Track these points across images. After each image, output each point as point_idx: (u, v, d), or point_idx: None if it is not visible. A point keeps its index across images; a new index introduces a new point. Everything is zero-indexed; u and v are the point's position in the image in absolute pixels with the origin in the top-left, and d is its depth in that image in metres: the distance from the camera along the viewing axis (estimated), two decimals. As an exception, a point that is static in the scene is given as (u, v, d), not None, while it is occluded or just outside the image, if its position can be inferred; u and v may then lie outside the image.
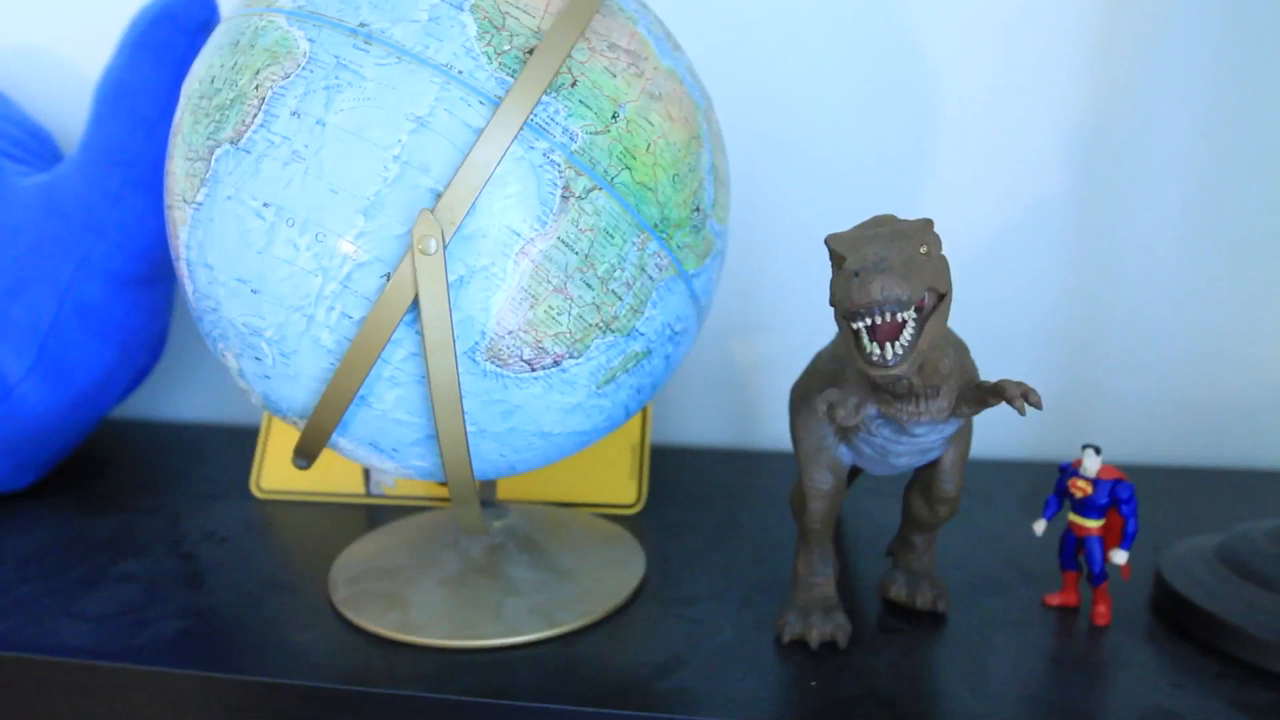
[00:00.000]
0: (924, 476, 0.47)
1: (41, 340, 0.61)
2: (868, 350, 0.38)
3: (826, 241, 0.39)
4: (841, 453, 0.45)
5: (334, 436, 0.45)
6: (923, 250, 0.38)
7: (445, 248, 0.39)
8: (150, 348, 0.68)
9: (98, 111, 0.62)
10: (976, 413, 0.42)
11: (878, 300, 0.36)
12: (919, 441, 0.43)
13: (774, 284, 0.73)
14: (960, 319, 0.71)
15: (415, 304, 0.40)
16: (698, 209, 0.45)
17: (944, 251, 0.39)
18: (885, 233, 0.38)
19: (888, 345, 0.37)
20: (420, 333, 0.40)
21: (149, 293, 0.66)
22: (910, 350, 0.37)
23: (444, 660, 0.45)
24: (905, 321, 0.37)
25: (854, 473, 0.56)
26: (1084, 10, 0.66)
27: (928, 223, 0.39)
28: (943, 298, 0.38)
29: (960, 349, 0.43)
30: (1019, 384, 0.40)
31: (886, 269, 0.36)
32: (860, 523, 0.59)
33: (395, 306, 0.39)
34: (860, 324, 0.37)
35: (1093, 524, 0.47)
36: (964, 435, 0.46)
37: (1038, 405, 0.40)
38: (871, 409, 0.42)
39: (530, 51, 0.40)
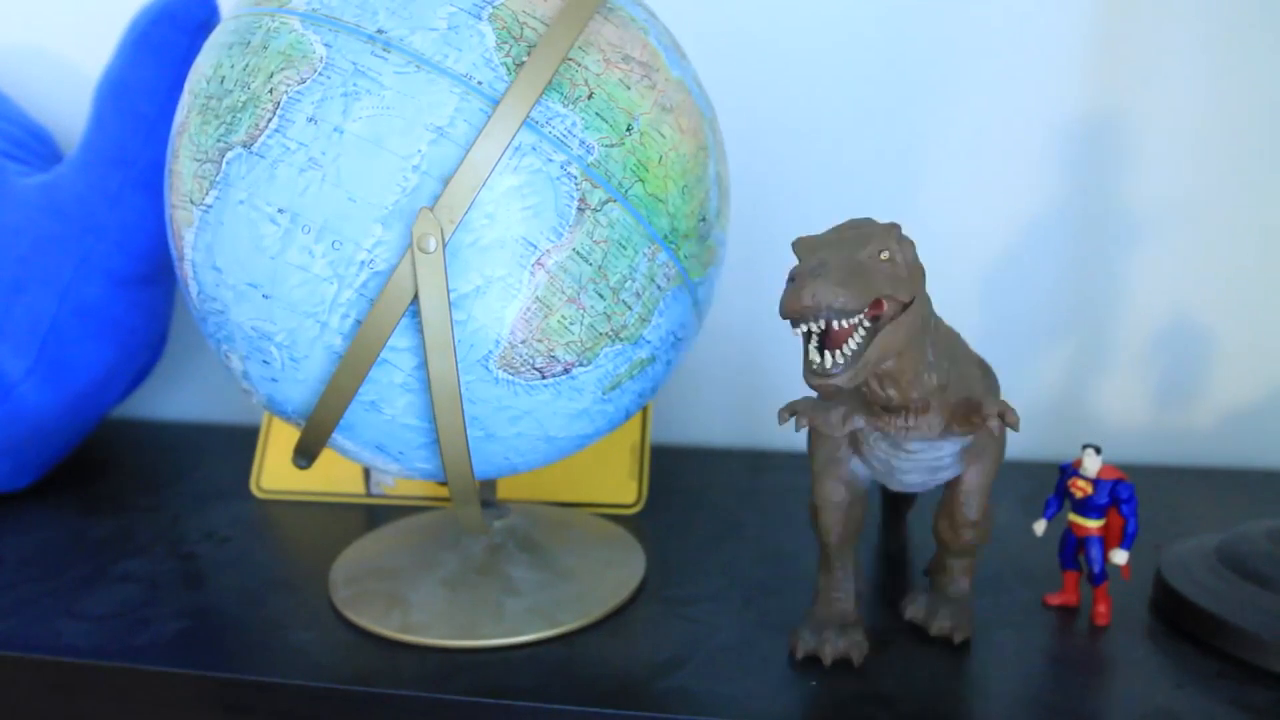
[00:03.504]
0: (947, 498, 0.45)
1: (41, 340, 0.61)
2: (810, 358, 0.36)
3: (792, 245, 0.38)
4: (856, 466, 0.44)
5: (341, 439, 0.45)
6: (883, 256, 0.36)
7: (445, 246, 0.39)
8: (150, 348, 0.68)
9: (98, 111, 0.62)
10: (969, 432, 0.40)
11: (808, 307, 0.34)
12: (920, 459, 0.42)
13: (776, 284, 0.73)
14: (960, 318, 0.71)
15: (417, 306, 0.40)
16: (704, 219, 0.45)
17: (919, 257, 0.38)
18: (845, 237, 0.36)
19: (828, 354, 0.36)
20: (421, 331, 0.40)
21: (149, 293, 0.66)
22: (855, 360, 0.35)
23: (444, 660, 0.45)
24: (855, 329, 0.36)
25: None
26: (1086, 7, 0.66)
27: (891, 227, 0.37)
28: (906, 306, 0.37)
29: (967, 363, 0.42)
30: (999, 402, 0.39)
31: (821, 274, 0.35)
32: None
33: (395, 305, 0.39)
34: (798, 331, 0.36)
35: (1093, 524, 0.47)
36: (988, 455, 0.44)
37: (1014, 426, 0.38)
38: (859, 420, 0.41)
39: (530, 50, 0.40)
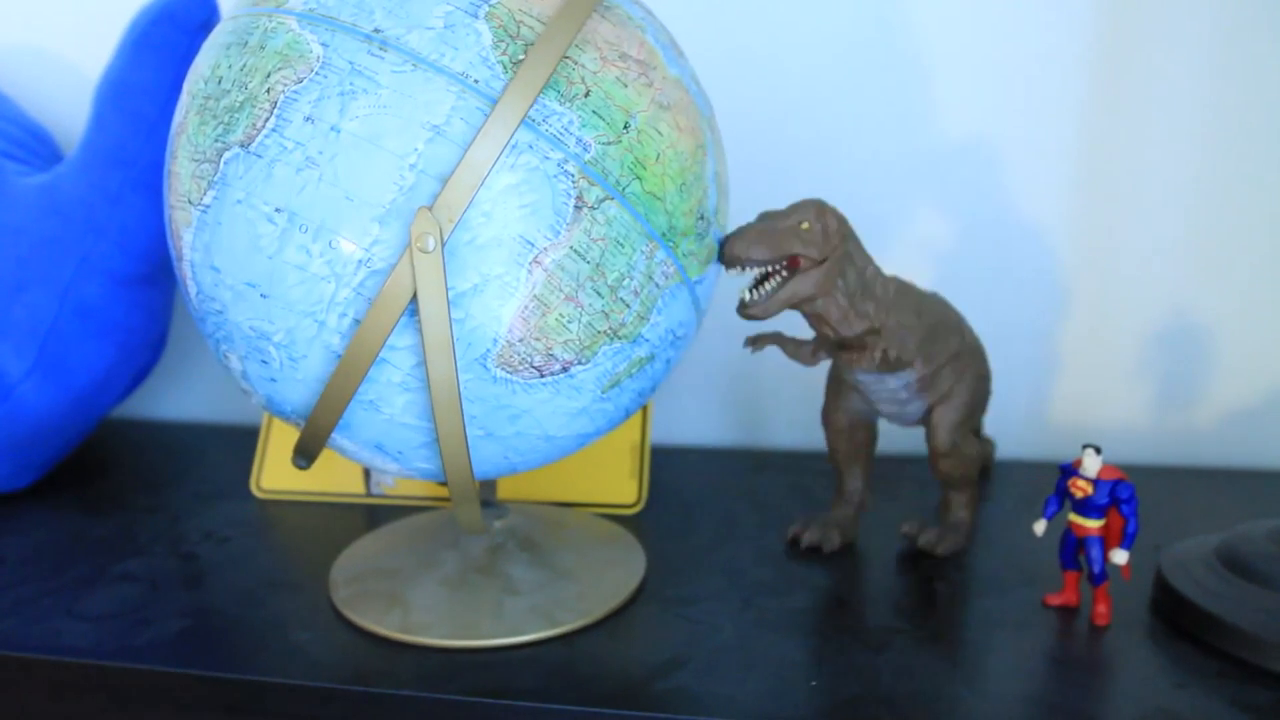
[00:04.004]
0: (925, 431, 0.55)
1: (41, 340, 0.61)
2: (741, 296, 0.47)
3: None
4: (854, 398, 0.54)
5: (340, 439, 0.45)
6: (803, 225, 0.47)
7: (444, 246, 0.39)
8: (150, 348, 0.68)
9: (98, 111, 0.63)
10: (847, 362, 0.50)
11: (728, 256, 0.46)
12: (877, 390, 0.52)
13: (774, 284, 0.73)
14: (960, 319, 0.71)
15: (415, 305, 0.40)
16: (702, 217, 0.45)
17: (847, 228, 0.48)
18: (779, 211, 0.47)
19: (749, 291, 0.47)
20: (420, 330, 0.40)
21: (149, 293, 0.66)
22: (766, 297, 0.47)
23: (444, 660, 0.45)
24: (775, 277, 0.47)
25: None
26: (1087, 7, 0.66)
27: (812, 202, 0.47)
28: (821, 263, 0.47)
29: (909, 316, 0.50)
30: (881, 341, 0.49)
31: (742, 234, 0.46)
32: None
33: (394, 305, 0.39)
34: (731, 273, 0.47)
35: (1093, 524, 0.47)
36: (957, 395, 0.52)
37: (887, 365, 0.49)
38: (824, 355, 0.51)
39: (527, 48, 0.40)
